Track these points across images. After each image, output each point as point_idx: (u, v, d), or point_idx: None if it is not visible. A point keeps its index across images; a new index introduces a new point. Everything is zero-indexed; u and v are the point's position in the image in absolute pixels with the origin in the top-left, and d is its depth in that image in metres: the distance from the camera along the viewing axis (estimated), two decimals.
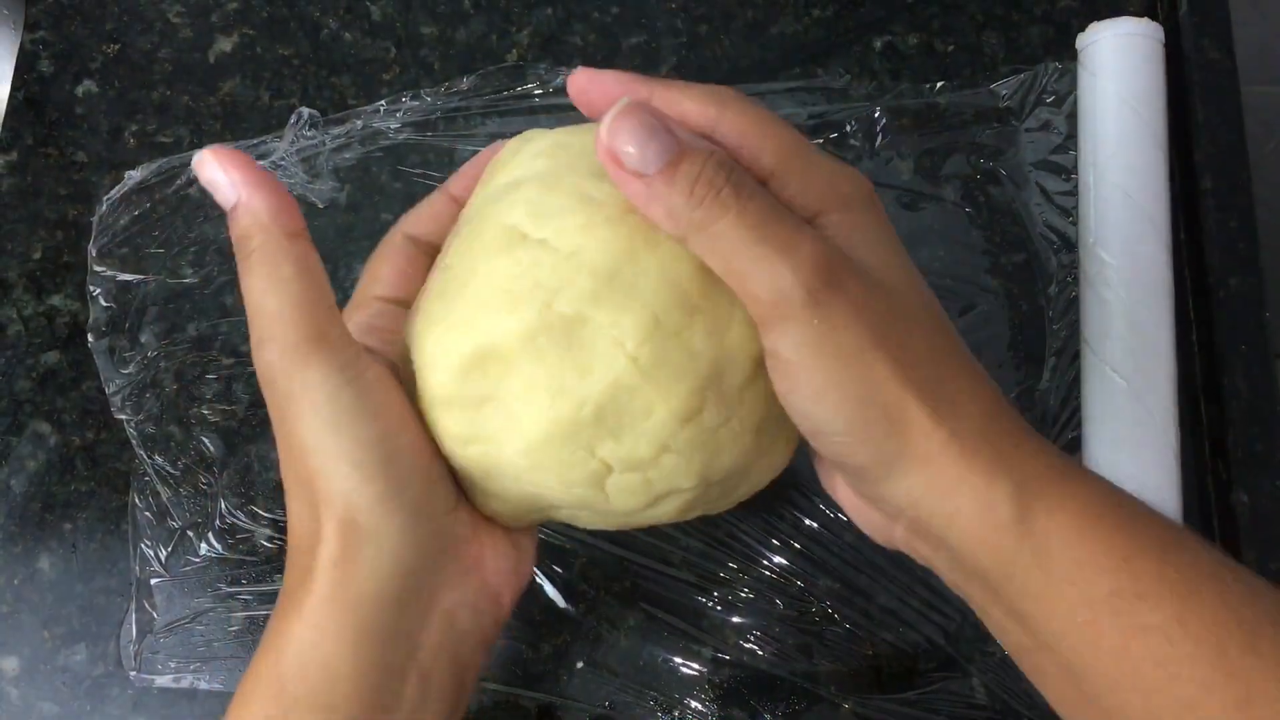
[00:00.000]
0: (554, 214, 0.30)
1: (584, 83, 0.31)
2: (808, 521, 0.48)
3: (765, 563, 0.47)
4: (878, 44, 0.56)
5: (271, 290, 0.29)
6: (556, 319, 0.29)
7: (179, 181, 0.54)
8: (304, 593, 0.29)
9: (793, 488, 0.48)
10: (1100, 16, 0.52)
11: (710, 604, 0.47)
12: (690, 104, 0.30)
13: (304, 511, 0.30)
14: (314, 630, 0.29)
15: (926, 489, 0.28)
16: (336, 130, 0.54)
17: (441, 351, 0.31)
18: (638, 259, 0.29)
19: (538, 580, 0.48)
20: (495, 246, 0.30)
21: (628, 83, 0.30)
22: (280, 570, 0.48)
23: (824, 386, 0.27)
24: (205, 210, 0.54)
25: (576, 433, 0.30)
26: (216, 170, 0.29)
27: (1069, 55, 0.54)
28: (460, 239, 0.32)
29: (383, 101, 0.55)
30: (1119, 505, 0.27)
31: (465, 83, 0.55)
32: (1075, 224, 0.51)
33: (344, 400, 0.29)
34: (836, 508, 0.48)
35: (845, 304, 0.26)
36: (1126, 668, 0.26)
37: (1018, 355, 0.50)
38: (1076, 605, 0.26)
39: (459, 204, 0.37)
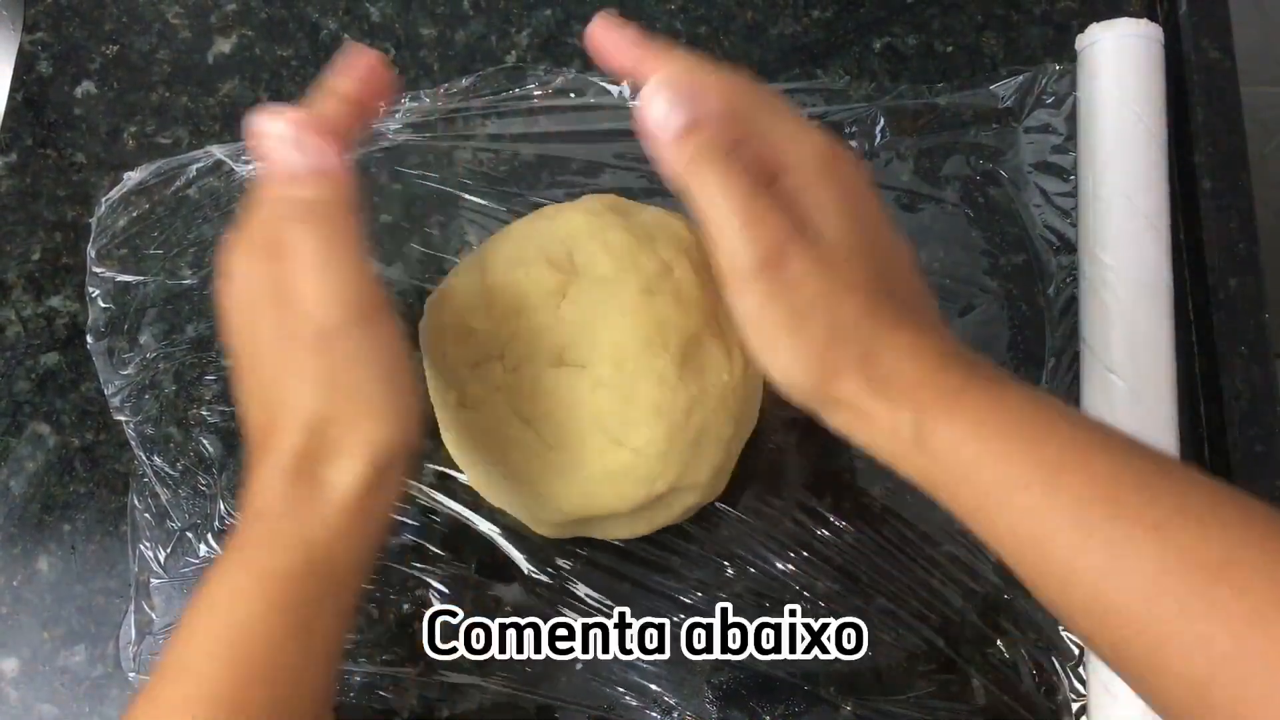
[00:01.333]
0: (635, 425, 0.41)
1: (599, 37, 0.37)
2: (808, 524, 0.48)
3: (765, 565, 0.47)
4: (877, 45, 0.56)
5: (346, 254, 0.35)
6: (654, 498, 0.42)
7: (178, 183, 0.54)
8: (318, 508, 0.34)
9: (794, 491, 0.48)
10: (1100, 17, 0.52)
11: (710, 605, 0.47)
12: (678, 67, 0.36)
13: (309, 444, 0.34)
14: (340, 538, 0.35)
15: (851, 426, 0.35)
16: None
17: (559, 509, 0.43)
18: (700, 445, 0.42)
19: (537, 580, 0.48)
20: (592, 443, 0.41)
21: (633, 46, 0.36)
22: None
23: (763, 347, 0.34)
24: (204, 211, 0.54)
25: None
26: (284, 128, 0.35)
27: (1069, 56, 0.54)
28: (539, 392, 0.42)
29: None
30: (1004, 410, 0.33)
31: (465, 84, 0.55)
32: (1075, 225, 0.51)
33: (399, 358, 0.36)
34: (837, 510, 0.48)
35: (781, 283, 0.33)
36: (1013, 545, 0.32)
37: (1018, 355, 0.50)
38: (971, 500, 0.33)
39: (351, 102, 0.38)
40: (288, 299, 0.35)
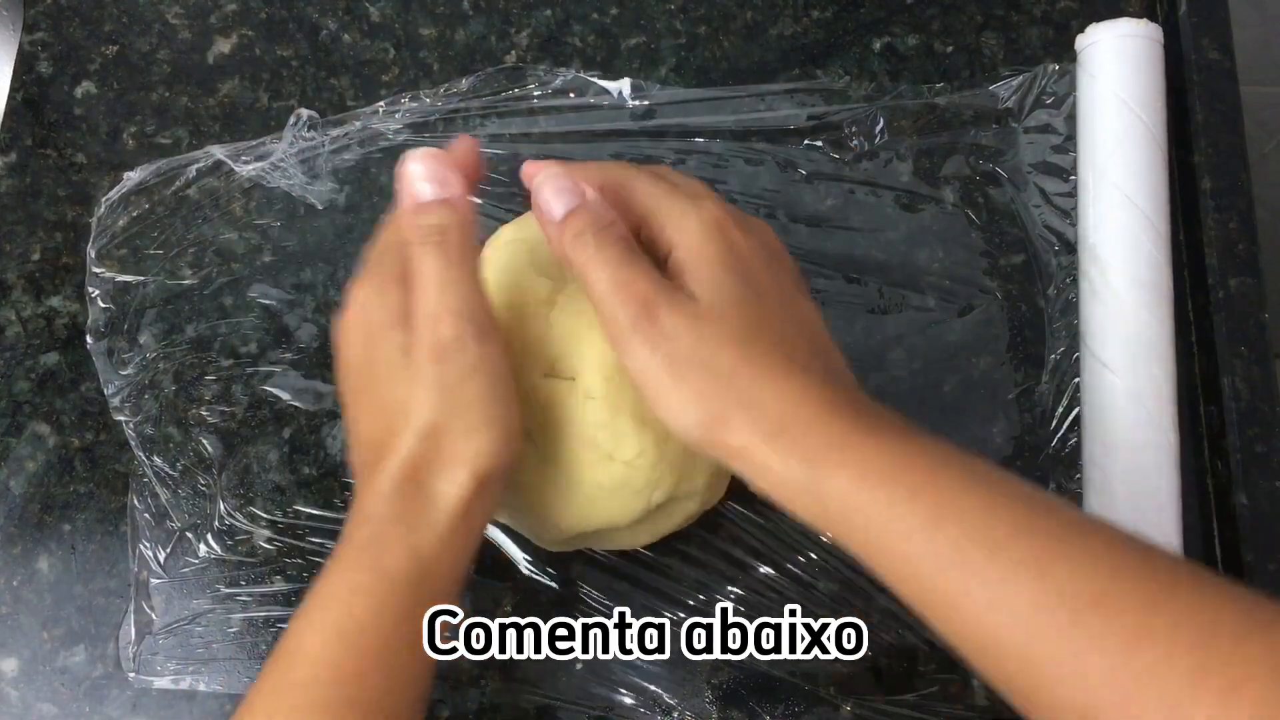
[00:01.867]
0: (624, 437, 0.41)
1: (529, 170, 0.40)
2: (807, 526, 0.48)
3: (765, 564, 0.47)
4: (877, 45, 0.56)
5: (466, 276, 0.38)
6: (654, 508, 0.42)
7: (177, 183, 0.54)
8: (427, 516, 0.37)
9: None
10: (1100, 17, 0.52)
11: (710, 605, 0.47)
12: (600, 176, 0.40)
13: (422, 452, 0.37)
14: (445, 547, 0.37)
15: (749, 474, 0.35)
16: (336, 132, 0.54)
17: (559, 525, 0.43)
18: (692, 452, 0.42)
19: (538, 581, 0.48)
20: (586, 457, 0.41)
21: (565, 174, 0.39)
22: (279, 572, 0.48)
23: (655, 399, 0.35)
24: (204, 211, 0.54)
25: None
26: (433, 167, 0.39)
27: (1068, 56, 0.54)
28: (534, 404, 0.42)
29: (382, 103, 0.55)
30: (889, 457, 0.34)
31: (464, 84, 0.55)
32: (1074, 225, 0.51)
33: (507, 375, 0.38)
34: None
35: (657, 337, 0.35)
36: (904, 586, 0.33)
37: (1017, 356, 0.50)
38: (862, 544, 0.34)
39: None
40: (409, 318, 0.38)
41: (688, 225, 0.37)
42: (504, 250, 0.45)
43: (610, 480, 0.41)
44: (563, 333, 0.42)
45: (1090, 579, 0.30)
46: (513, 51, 0.57)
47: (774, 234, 0.40)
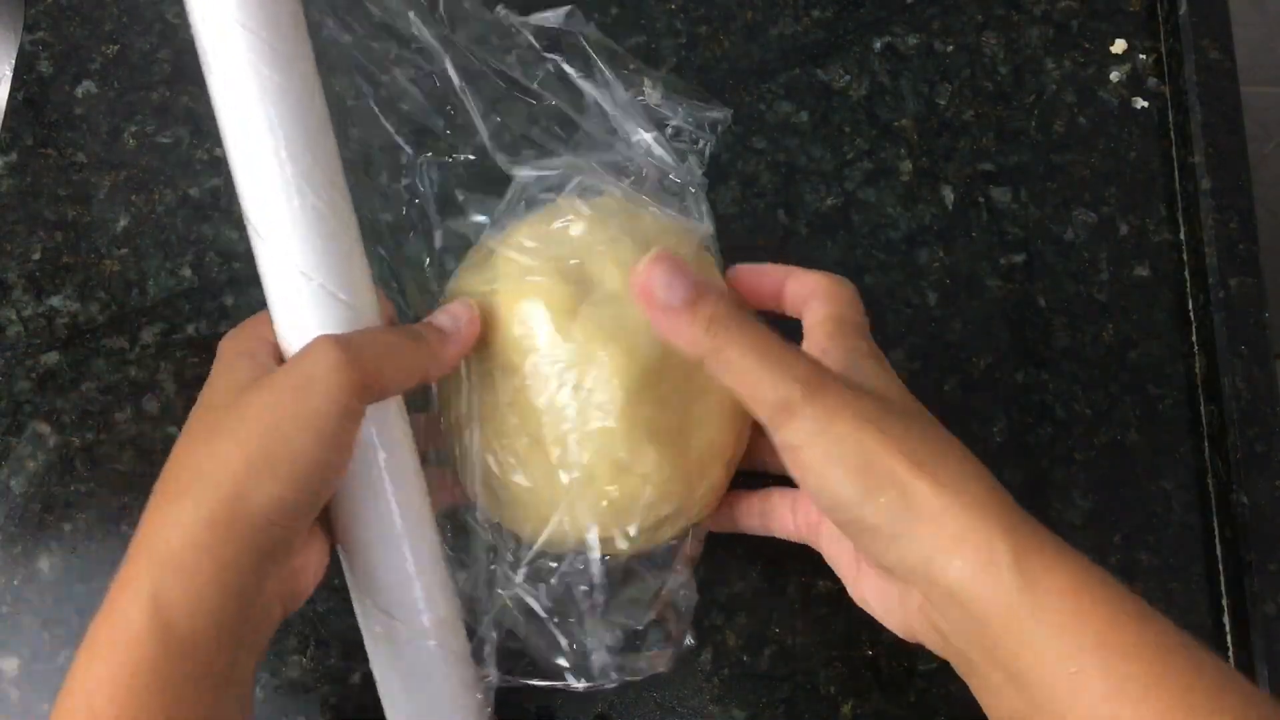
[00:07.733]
0: (644, 449, 0.40)
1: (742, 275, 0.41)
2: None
3: (765, 564, 0.47)
4: (877, 44, 0.56)
5: None
6: (661, 519, 0.42)
7: (181, 184, 0.54)
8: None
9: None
10: (1100, 16, 0.52)
11: (710, 605, 0.47)
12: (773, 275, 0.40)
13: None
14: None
15: (934, 548, 0.32)
16: None
17: (568, 533, 0.42)
18: (705, 464, 0.42)
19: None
20: (601, 469, 0.40)
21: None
22: None
23: (826, 463, 0.33)
24: (204, 210, 0.54)
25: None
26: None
27: (1069, 57, 0.54)
28: (549, 411, 0.41)
29: None
30: (1103, 579, 0.32)
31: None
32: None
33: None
34: None
35: (835, 398, 0.33)
36: (1108, 715, 0.29)
37: (1018, 355, 0.50)
38: (1069, 655, 0.30)
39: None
40: None
41: (839, 293, 0.38)
42: (525, 250, 0.43)
43: (624, 493, 0.41)
44: (583, 343, 0.41)
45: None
46: (513, 51, 0.57)
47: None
